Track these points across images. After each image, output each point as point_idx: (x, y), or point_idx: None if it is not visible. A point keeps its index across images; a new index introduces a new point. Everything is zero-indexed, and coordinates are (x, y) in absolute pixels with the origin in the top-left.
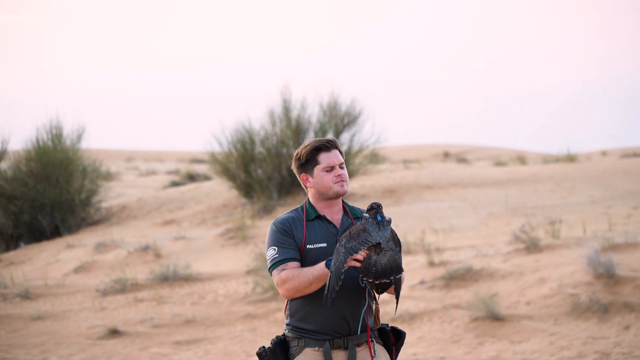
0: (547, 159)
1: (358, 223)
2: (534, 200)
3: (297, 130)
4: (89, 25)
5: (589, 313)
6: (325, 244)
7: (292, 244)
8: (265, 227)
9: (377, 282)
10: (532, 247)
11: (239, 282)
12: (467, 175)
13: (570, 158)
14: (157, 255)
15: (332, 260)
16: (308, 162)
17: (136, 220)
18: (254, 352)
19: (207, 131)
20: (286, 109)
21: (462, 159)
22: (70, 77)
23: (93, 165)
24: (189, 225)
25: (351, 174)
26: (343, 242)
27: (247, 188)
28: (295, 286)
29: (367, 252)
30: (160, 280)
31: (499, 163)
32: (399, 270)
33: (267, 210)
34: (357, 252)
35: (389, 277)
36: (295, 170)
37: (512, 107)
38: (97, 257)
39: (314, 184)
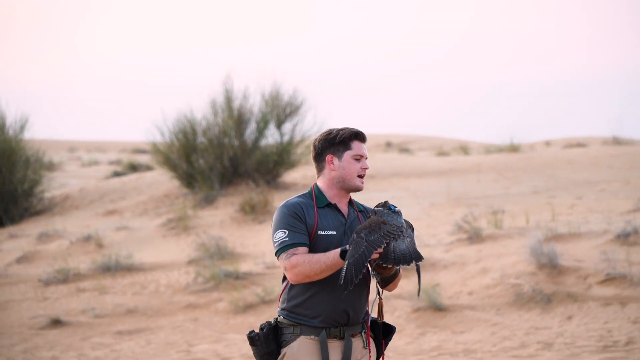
0: (490, 149)
1: (374, 216)
2: (477, 190)
3: (239, 121)
4: (30, 13)
5: (532, 303)
6: (334, 232)
7: (303, 229)
8: (207, 217)
9: (397, 267)
10: (475, 237)
11: (181, 272)
12: (409, 165)
13: (514, 148)
14: (99, 246)
15: (350, 252)
16: (341, 143)
17: (78, 211)
18: (195, 342)
19: (149, 121)
20: (228, 99)
21: (404, 149)
22: (13, 67)
23: (36, 155)
24: (130, 215)
25: (293, 164)
26: (363, 235)
27: (189, 178)
28: (305, 272)
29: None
30: (102, 270)
31: (442, 153)
32: (419, 256)
33: (208, 201)
34: (380, 246)
35: (409, 263)
36: (317, 149)
37: (455, 96)
38: (40, 247)
39: (338, 167)
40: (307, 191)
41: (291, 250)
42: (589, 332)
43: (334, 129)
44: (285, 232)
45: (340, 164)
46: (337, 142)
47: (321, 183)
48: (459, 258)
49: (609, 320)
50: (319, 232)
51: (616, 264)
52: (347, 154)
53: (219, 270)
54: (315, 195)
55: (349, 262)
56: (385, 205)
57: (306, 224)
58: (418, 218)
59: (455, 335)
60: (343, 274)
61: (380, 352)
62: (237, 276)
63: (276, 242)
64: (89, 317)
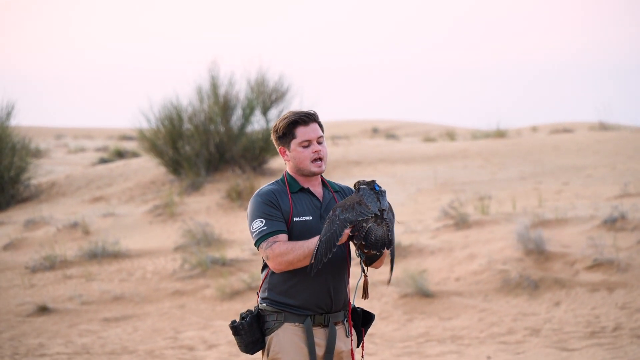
0: (477, 135)
1: (354, 194)
2: (463, 176)
3: (224, 107)
4: (16, 0)
5: (519, 289)
6: (310, 217)
7: (280, 216)
8: (193, 203)
9: (366, 251)
10: (462, 223)
11: (167, 258)
12: (395, 151)
13: (500, 134)
14: (86, 232)
15: (324, 230)
16: (285, 135)
17: (65, 197)
18: (182, 329)
19: (135, 108)
20: (214, 86)
21: (391, 135)
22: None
23: (22, 142)
24: (117, 202)
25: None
26: (337, 212)
27: (175, 165)
28: (289, 260)
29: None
30: (89, 257)
31: (428, 139)
32: (390, 243)
33: (195, 187)
34: (351, 224)
35: (380, 250)
36: (273, 141)
37: (441, 82)
38: (27, 234)
39: (291, 158)
40: (279, 178)
41: (271, 238)
42: (577, 318)
43: (277, 122)
44: (262, 222)
45: (291, 155)
46: (281, 134)
47: (289, 170)
48: (446, 244)
49: (596, 306)
50: (294, 219)
51: (603, 249)
52: (294, 143)
53: (206, 257)
54: (288, 182)
55: (321, 240)
56: (369, 184)
57: (282, 210)
58: (404, 204)
59: (443, 321)
60: (315, 251)
61: (360, 339)
62: (224, 263)
63: (254, 232)
64: (76, 304)
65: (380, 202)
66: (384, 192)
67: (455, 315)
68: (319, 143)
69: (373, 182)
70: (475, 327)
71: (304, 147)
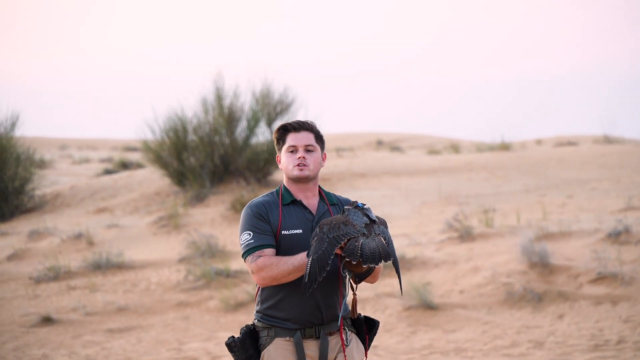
0: (481, 148)
1: (340, 215)
2: (468, 188)
3: (229, 119)
4: (19, 10)
5: (523, 302)
6: (300, 230)
7: (268, 229)
8: (197, 215)
9: (364, 266)
10: (466, 235)
11: (172, 270)
12: (400, 163)
13: (505, 147)
14: (90, 243)
15: (313, 248)
16: (278, 142)
17: (69, 208)
18: (186, 340)
19: (140, 119)
20: (219, 97)
21: (395, 148)
22: (4, 65)
23: (27, 153)
24: (121, 213)
25: None
26: (325, 230)
27: (180, 176)
28: (273, 275)
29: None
30: (93, 268)
31: (433, 151)
32: (388, 256)
33: (199, 199)
34: (340, 243)
35: (378, 262)
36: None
37: (446, 95)
38: (31, 245)
39: (281, 163)
40: (276, 189)
41: (257, 252)
42: (580, 331)
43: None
44: (250, 234)
45: (281, 160)
46: (277, 141)
47: (284, 180)
48: (450, 256)
49: (600, 319)
50: (282, 232)
51: (607, 263)
52: (284, 149)
53: (210, 269)
54: (282, 193)
55: (313, 259)
56: (352, 204)
57: (270, 223)
58: (409, 216)
59: (447, 333)
60: (307, 270)
61: (365, 347)
62: (228, 274)
63: (242, 244)
64: (80, 315)
65: (367, 217)
66: (369, 208)
67: (459, 327)
68: (308, 151)
69: (356, 202)
70: (479, 339)
71: (290, 152)
